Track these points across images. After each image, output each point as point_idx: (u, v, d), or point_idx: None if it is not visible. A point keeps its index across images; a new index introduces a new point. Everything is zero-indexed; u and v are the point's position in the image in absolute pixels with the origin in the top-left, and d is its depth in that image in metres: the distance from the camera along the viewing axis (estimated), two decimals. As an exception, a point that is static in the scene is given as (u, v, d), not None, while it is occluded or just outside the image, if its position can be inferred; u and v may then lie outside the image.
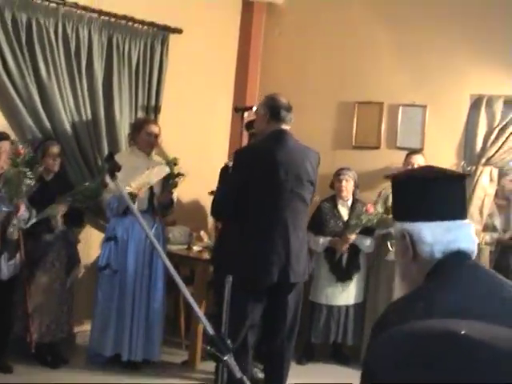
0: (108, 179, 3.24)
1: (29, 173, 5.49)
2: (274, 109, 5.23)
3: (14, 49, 5.96)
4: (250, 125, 6.18)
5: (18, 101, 6.04)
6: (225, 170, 6.01)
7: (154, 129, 6.30)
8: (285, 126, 5.25)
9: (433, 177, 2.07)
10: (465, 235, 2.01)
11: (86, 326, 6.58)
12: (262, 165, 5.10)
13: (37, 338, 5.92)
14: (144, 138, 6.25)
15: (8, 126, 6.12)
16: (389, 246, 6.43)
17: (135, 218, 3.04)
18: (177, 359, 6.45)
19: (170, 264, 2.79)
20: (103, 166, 6.33)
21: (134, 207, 3.07)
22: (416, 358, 1.12)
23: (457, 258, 1.98)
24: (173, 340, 6.78)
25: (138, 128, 6.31)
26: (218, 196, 5.56)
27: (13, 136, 6.10)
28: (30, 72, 6.10)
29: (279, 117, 5.21)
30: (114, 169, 3.28)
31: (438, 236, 1.98)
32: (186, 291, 2.56)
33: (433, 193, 2.03)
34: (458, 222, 2.02)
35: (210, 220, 7.29)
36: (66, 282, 6.08)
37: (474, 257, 2.03)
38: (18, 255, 5.72)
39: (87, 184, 6.09)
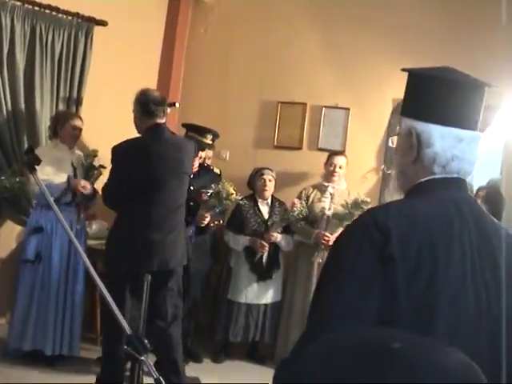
0: (27, 172, 3.20)
1: None
2: (144, 105, 5.30)
3: None
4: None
5: None
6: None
7: (78, 123, 6.23)
8: (159, 120, 5.33)
9: (456, 79, 1.94)
10: (471, 152, 1.92)
11: (3, 320, 6.50)
12: (137, 158, 5.17)
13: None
14: (68, 131, 6.17)
15: None
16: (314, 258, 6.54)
17: (53, 211, 3.01)
18: (92, 355, 6.37)
19: (86, 258, 2.77)
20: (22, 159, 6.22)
21: (53, 202, 3.02)
22: (348, 375, 1.06)
23: (448, 183, 1.91)
24: (88, 335, 6.69)
25: (61, 121, 6.20)
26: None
27: None
28: None
29: (150, 111, 5.28)
30: (34, 162, 3.25)
31: (446, 144, 1.89)
32: (103, 287, 2.54)
33: (453, 96, 1.90)
34: (471, 133, 1.92)
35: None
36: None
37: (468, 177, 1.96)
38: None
39: (2, 178, 5.99)
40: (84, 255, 2.79)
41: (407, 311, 1.64)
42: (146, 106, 5.27)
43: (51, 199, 3.00)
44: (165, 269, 5.27)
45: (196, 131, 6.09)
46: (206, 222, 5.99)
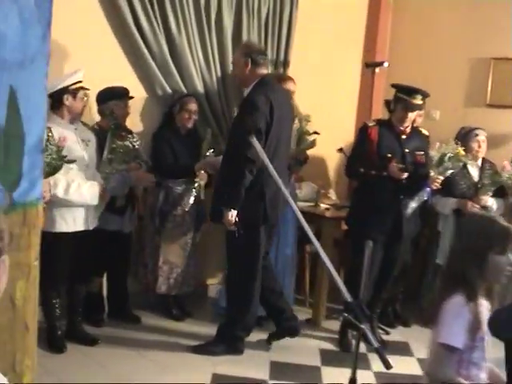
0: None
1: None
2: (255, 56, 5.27)
3: (144, 4, 5.94)
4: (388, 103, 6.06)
5: (148, 56, 6.04)
6: (363, 130, 5.87)
7: (291, 85, 6.23)
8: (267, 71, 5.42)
9: None
10: None
11: (215, 280, 6.72)
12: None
13: (164, 290, 6.03)
14: None
15: (138, 82, 6.16)
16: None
17: (271, 173, 3.00)
18: (300, 316, 6.42)
19: (305, 221, 2.73)
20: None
21: (269, 162, 3.01)
22: None
23: None
24: (297, 297, 6.75)
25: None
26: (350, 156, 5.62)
27: (143, 92, 6.17)
28: (161, 27, 6.08)
29: (261, 62, 5.30)
30: (252, 129, 3.27)
31: None
32: (321, 250, 2.49)
33: None
34: None
35: (339, 178, 7.21)
36: (195, 236, 6.13)
37: None
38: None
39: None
40: (300, 216, 2.75)
41: None
42: (256, 56, 5.27)
43: (270, 164, 2.99)
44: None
45: (405, 92, 5.90)
46: (438, 185, 5.83)
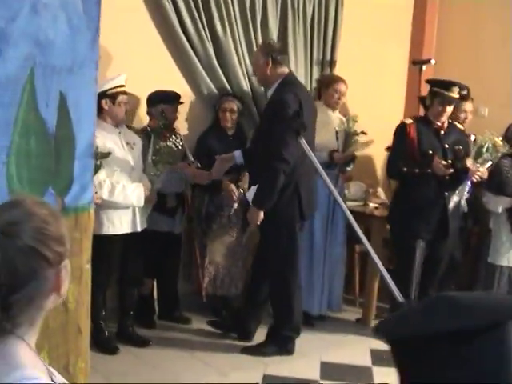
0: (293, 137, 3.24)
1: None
2: (276, 54, 5.25)
3: (189, 6, 5.98)
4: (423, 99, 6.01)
5: (194, 57, 6.07)
6: (402, 128, 5.84)
7: (342, 87, 6.25)
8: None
9: None
10: None
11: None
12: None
13: (210, 291, 6.05)
14: (331, 94, 6.25)
15: (185, 82, 6.20)
16: None
17: (319, 173, 3.00)
18: (350, 316, 6.40)
19: (354, 220, 2.73)
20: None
21: (318, 164, 3.02)
22: None
23: None
24: (347, 297, 6.74)
25: (326, 84, 6.30)
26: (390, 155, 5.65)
27: (190, 92, 6.20)
28: (206, 28, 6.11)
29: (282, 61, 5.30)
30: (300, 128, 3.26)
31: None
32: (371, 249, 2.48)
33: None
34: None
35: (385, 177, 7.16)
36: (242, 237, 6.14)
37: None
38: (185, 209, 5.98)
39: None
40: (350, 216, 2.75)
41: None
42: (277, 55, 5.26)
43: (319, 165, 2.99)
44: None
45: (441, 86, 5.82)
46: (478, 177, 5.76)
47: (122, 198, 5.10)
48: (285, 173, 5.04)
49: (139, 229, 5.32)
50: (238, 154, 5.41)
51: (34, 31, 2.90)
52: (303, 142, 3.23)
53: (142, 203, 5.21)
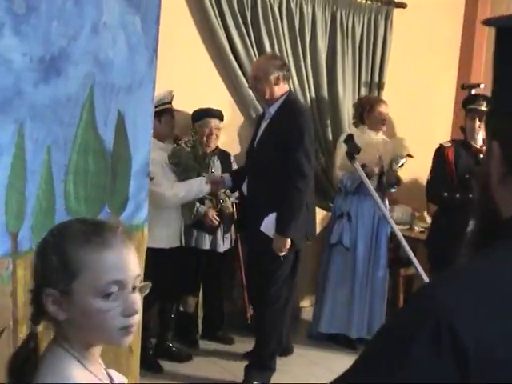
0: (347, 160, 3.23)
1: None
2: (281, 71, 5.06)
3: (239, 26, 6.01)
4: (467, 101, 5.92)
5: (242, 77, 6.09)
6: (440, 152, 5.79)
7: (384, 108, 6.21)
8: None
9: None
10: None
11: (307, 302, 6.71)
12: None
13: (253, 311, 6.04)
14: (375, 116, 6.17)
15: (233, 102, 6.22)
16: None
17: (372, 196, 2.98)
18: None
19: (406, 243, 2.70)
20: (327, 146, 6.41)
21: (371, 187, 3.00)
22: None
23: None
24: (390, 321, 6.66)
25: (369, 108, 6.22)
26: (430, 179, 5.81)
27: (238, 112, 6.22)
28: (255, 49, 6.14)
29: (286, 77, 5.13)
30: (354, 151, 3.26)
31: None
32: (422, 272, 2.46)
33: None
34: None
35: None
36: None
37: None
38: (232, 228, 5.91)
39: None
40: (401, 237, 2.72)
41: None
42: (282, 71, 5.06)
43: (372, 188, 2.98)
44: None
45: (468, 101, 5.80)
46: None
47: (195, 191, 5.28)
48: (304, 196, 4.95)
49: (177, 244, 5.41)
50: (227, 177, 5.36)
51: (94, 50, 2.93)
52: (357, 165, 3.22)
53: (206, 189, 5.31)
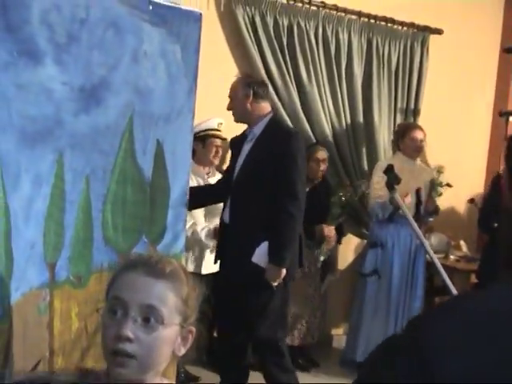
0: (385, 191, 3.18)
1: None
2: (259, 88, 4.74)
3: (275, 53, 6.02)
4: None
5: (279, 105, 6.08)
6: (495, 181, 5.69)
7: (419, 134, 6.12)
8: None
9: None
10: None
11: (338, 330, 6.63)
12: None
13: (288, 341, 5.96)
14: (408, 143, 6.10)
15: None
16: None
17: (411, 225, 2.93)
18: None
19: (444, 272, 2.65)
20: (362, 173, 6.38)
21: (410, 216, 2.96)
22: None
23: None
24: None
25: (402, 134, 6.17)
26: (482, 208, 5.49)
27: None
28: (292, 76, 6.14)
29: (265, 95, 4.78)
30: (394, 181, 3.21)
31: None
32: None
33: None
34: None
35: (469, 229, 7.02)
36: (321, 287, 6.07)
37: None
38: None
39: (340, 194, 6.03)
40: (439, 264, 2.68)
41: None
42: (258, 88, 4.71)
43: (410, 216, 2.93)
44: None
45: None
46: None
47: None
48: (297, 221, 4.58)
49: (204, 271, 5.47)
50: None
51: (134, 79, 2.91)
52: (397, 196, 3.17)
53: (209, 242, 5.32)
